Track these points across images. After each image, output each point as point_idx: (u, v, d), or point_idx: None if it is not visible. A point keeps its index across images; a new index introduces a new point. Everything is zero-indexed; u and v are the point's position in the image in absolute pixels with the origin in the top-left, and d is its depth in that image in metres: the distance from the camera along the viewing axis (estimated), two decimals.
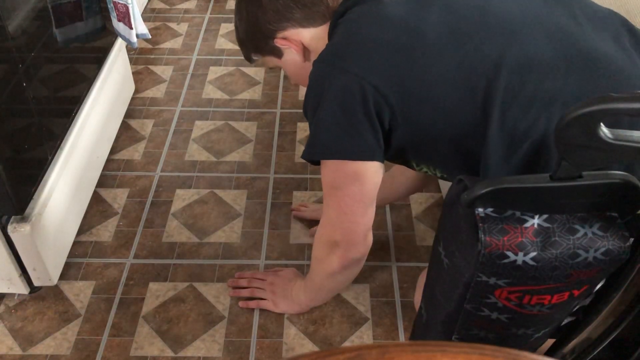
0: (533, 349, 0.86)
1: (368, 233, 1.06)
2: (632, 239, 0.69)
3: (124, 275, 1.39)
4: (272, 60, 1.10)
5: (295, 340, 1.27)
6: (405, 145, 0.94)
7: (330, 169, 0.98)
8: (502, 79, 0.82)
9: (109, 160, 1.68)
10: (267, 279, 1.32)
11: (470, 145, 0.86)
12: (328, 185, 1.01)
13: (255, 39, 1.06)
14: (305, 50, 1.04)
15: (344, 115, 0.89)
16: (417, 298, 1.06)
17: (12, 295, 1.33)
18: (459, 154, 0.89)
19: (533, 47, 0.84)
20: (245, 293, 1.32)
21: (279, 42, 1.04)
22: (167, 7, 2.43)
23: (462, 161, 0.90)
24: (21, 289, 1.30)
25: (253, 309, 1.31)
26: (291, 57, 1.06)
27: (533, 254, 0.67)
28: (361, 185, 0.97)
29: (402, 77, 0.86)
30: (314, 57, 0.99)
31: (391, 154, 0.97)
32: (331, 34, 0.98)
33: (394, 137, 0.92)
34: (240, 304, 1.31)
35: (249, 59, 1.14)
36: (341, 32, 0.93)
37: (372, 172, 0.96)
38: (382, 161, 0.95)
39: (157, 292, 1.35)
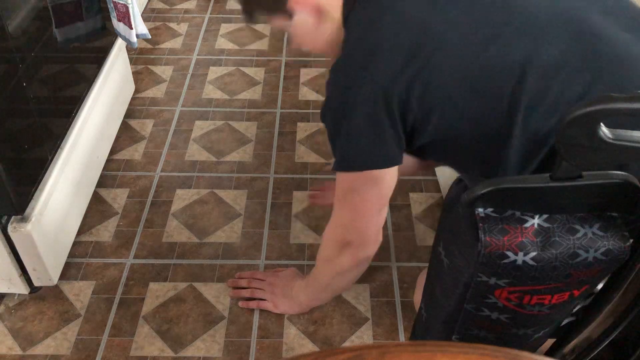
0: (533, 349, 0.86)
1: (380, 231, 1.05)
2: (632, 239, 0.69)
3: (124, 275, 1.39)
4: (279, 21, 1.03)
5: (295, 340, 1.27)
6: (426, 146, 0.93)
7: (351, 175, 0.97)
8: (527, 84, 0.80)
9: (109, 160, 1.68)
10: (267, 279, 1.32)
11: (492, 148, 0.85)
12: (345, 189, 1.01)
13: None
14: (319, 13, 0.99)
15: (371, 126, 0.89)
16: (417, 298, 1.06)
17: (12, 295, 1.33)
18: (480, 155, 0.89)
19: (559, 49, 0.82)
20: (245, 293, 1.32)
21: (292, 3, 0.97)
22: (167, 7, 2.43)
23: (481, 163, 0.90)
24: (21, 289, 1.30)
25: (253, 309, 1.31)
26: (303, 19, 1.00)
27: (533, 254, 0.67)
28: (379, 189, 0.97)
29: (426, 83, 0.84)
30: (329, 20, 0.96)
31: (409, 151, 0.96)
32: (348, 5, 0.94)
33: (415, 138, 0.91)
34: (241, 304, 1.31)
35: (252, 18, 1.06)
36: (360, 33, 0.91)
37: (392, 175, 0.96)
38: (401, 163, 0.95)
39: (157, 292, 1.35)
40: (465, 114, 0.85)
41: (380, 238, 1.07)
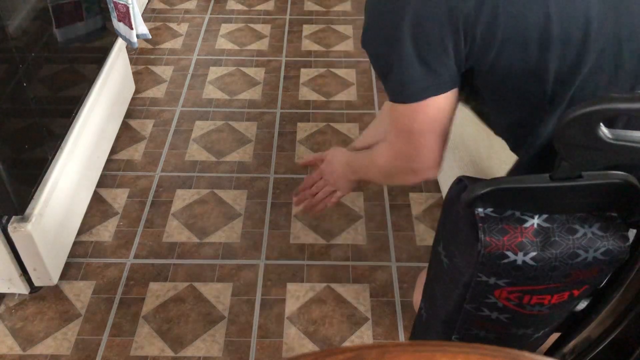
0: (533, 349, 0.86)
1: (442, 156, 0.93)
2: (631, 239, 0.69)
3: (124, 275, 1.39)
4: None
5: (295, 340, 1.27)
6: (473, 73, 0.84)
7: (410, 112, 0.87)
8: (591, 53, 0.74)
9: (109, 160, 1.68)
10: (322, 172, 1.19)
11: (535, 109, 0.80)
12: (399, 120, 0.90)
13: None
14: None
15: (430, 48, 0.79)
16: (417, 298, 1.06)
17: (12, 295, 1.33)
18: (522, 107, 0.82)
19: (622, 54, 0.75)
20: (318, 198, 1.19)
21: None
22: (167, 7, 2.43)
23: (518, 116, 0.84)
24: (21, 289, 1.30)
25: (253, 308, 1.31)
26: None
27: (533, 254, 0.67)
28: (441, 122, 0.87)
29: (495, 12, 0.75)
30: None
31: None
32: None
33: (465, 65, 0.83)
34: (329, 205, 1.20)
35: None
36: None
37: (452, 102, 0.85)
38: (458, 85, 0.85)
39: (157, 292, 1.35)
40: (526, 58, 0.77)
41: (441, 161, 0.93)
